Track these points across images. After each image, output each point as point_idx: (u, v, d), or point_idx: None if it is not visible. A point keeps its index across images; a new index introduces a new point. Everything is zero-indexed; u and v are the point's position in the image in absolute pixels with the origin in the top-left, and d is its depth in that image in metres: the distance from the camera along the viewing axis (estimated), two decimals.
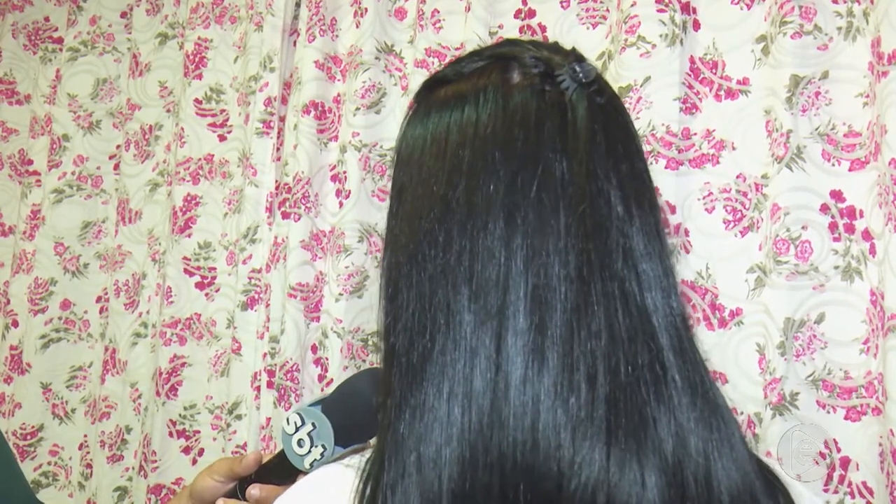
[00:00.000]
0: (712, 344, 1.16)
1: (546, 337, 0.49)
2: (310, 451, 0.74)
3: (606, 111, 0.55)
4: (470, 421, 0.49)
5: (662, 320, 0.52)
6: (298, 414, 0.75)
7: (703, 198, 1.20)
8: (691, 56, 1.22)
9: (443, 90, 0.58)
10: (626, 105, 1.20)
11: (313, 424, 0.74)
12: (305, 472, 0.75)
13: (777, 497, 0.57)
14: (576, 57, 0.56)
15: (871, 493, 1.05)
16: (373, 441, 0.77)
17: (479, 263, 0.51)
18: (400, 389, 0.52)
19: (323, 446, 0.73)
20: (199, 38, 1.60)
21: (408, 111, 0.60)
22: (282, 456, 0.76)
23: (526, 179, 0.51)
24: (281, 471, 0.77)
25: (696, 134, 1.21)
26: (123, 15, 1.73)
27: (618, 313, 0.50)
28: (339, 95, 1.46)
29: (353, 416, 0.74)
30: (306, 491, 0.57)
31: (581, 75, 0.54)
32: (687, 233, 1.19)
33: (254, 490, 0.78)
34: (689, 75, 1.21)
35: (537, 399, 0.48)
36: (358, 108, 1.40)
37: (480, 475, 0.48)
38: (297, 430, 0.74)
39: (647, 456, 0.49)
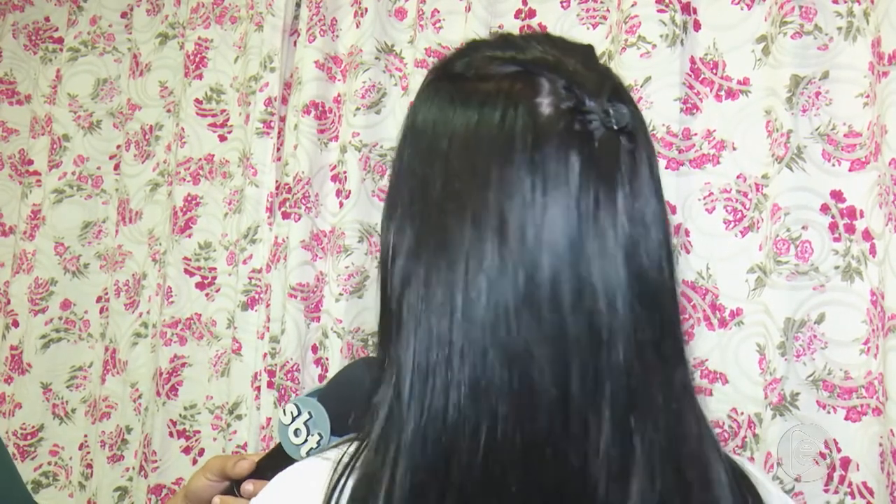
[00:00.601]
0: (713, 344, 1.16)
1: (549, 361, 0.50)
2: (306, 441, 0.74)
3: (633, 157, 0.54)
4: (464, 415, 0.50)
5: (661, 371, 0.53)
6: (294, 404, 0.75)
7: (704, 198, 1.20)
8: (692, 56, 1.22)
9: (465, 86, 0.55)
10: None
11: (309, 413, 0.74)
12: None
13: (746, 498, 0.58)
14: (611, 89, 0.54)
15: (871, 493, 1.05)
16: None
17: (505, 288, 0.51)
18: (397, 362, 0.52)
19: (319, 434, 0.73)
20: (199, 38, 1.60)
21: (423, 84, 0.58)
22: (278, 448, 0.76)
23: (556, 215, 0.51)
24: (277, 463, 0.76)
25: (696, 134, 1.21)
26: (124, 15, 1.73)
27: (620, 359, 0.51)
28: (339, 95, 1.46)
29: (350, 403, 0.73)
30: (286, 484, 0.57)
31: (613, 121, 0.52)
32: (687, 233, 1.19)
33: (248, 486, 0.78)
34: (690, 75, 1.21)
35: (539, 411, 0.50)
36: (358, 108, 1.40)
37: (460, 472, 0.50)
38: (293, 419, 0.74)
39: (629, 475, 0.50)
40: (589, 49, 0.58)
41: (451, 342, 0.50)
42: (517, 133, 0.52)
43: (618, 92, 0.55)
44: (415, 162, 0.56)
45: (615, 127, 0.52)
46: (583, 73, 0.54)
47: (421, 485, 0.50)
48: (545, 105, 0.53)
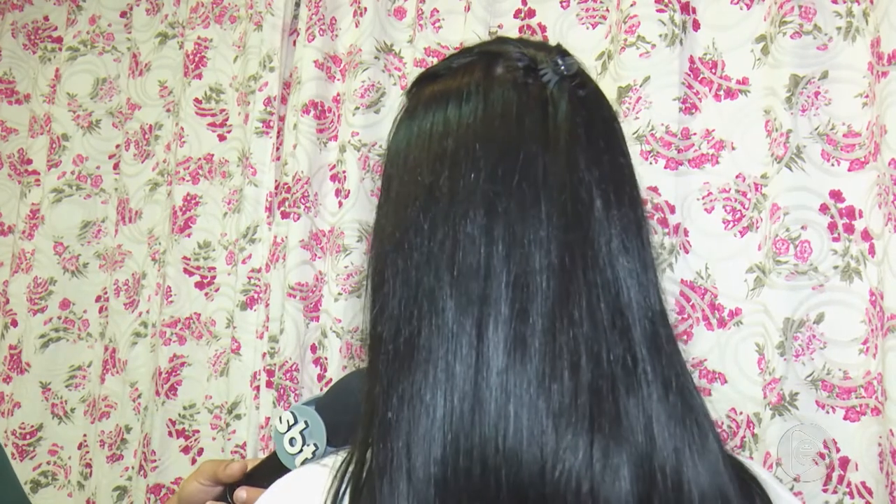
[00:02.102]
0: (712, 344, 1.16)
1: (528, 325, 0.50)
2: (301, 450, 0.73)
3: (588, 104, 0.56)
4: (452, 407, 0.49)
5: (637, 314, 0.52)
6: (291, 412, 0.74)
7: (703, 198, 1.20)
8: (691, 56, 1.22)
9: (431, 87, 0.59)
10: (626, 105, 1.20)
11: (306, 423, 0.73)
12: None
13: (754, 500, 0.57)
14: (559, 51, 0.57)
15: (870, 493, 1.05)
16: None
17: (461, 251, 0.51)
18: (387, 377, 0.52)
19: (315, 445, 0.73)
20: (198, 37, 1.60)
21: (399, 110, 0.61)
22: (273, 456, 0.75)
23: (507, 170, 0.52)
24: (272, 471, 0.76)
25: (695, 134, 1.21)
26: (123, 14, 1.73)
27: (600, 303, 0.51)
28: (338, 95, 1.46)
29: (347, 415, 0.73)
30: (282, 491, 0.57)
31: (563, 68, 0.55)
32: (686, 233, 1.19)
33: (241, 492, 0.77)
34: (689, 75, 1.21)
35: (519, 386, 0.49)
36: (357, 108, 1.40)
37: (462, 461, 0.49)
38: (289, 428, 0.74)
39: (622, 446, 0.49)
40: (546, 42, 0.62)
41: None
42: (470, 105, 0.54)
43: (567, 53, 0.57)
44: (387, 168, 0.59)
45: (566, 73, 0.55)
46: (536, 49, 0.57)
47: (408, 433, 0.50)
48: (499, 70, 0.56)
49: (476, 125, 0.54)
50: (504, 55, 0.57)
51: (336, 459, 0.55)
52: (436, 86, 0.58)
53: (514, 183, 0.52)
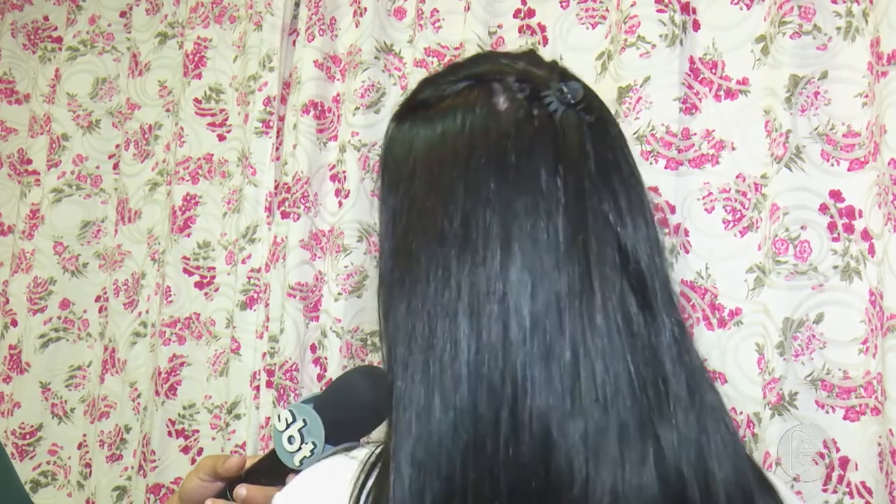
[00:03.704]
0: (712, 344, 1.16)
1: (552, 362, 0.50)
2: (300, 449, 0.73)
3: (595, 129, 0.55)
4: (476, 447, 0.50)
5: (666, 334, 0.53)
6: (290, 410, 0.74)
7: (703, 198, 1.20)
8: (691, 56, 1.22)
9: (426, 112, 0.57)
10: (626, 105, 1.20)
11: (304, 421, 0.73)
12: (295, 471, 0.74)
13: (773, 500, 0.58)
14: (560, 73, 0.56)
15: (869, 492, 1.05)
16: (365, 439, 0.77)
17: (478, 299, 0.51)
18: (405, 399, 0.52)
19: (313, 443, 0.73)
20: (198, 37, 1.60)
21: (389, 128, 0.60)
22: (272, 454, 0.76)
23: (520, 208, 0.52)
24: (271, 469, 0.76)
25: (695, 134, 1.21)
26: (123, 14, 1.73)
27: (621, 334, 0.51)
28: (338, 95, 1.46)
29: (345, 413, 0.73)
30: (313, 480, 0.57)
31: (569, 96, 0.54)
32: (686, 233, 1.19)
33: (241, 490, 0.77)
34: (689, 75, 1.21)
35: (549, 426, 0.49)
36: (357, 108, 1.40)
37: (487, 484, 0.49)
38: (287, 426, 0.74)
39: (651, 465, 0.50)
40: (532, 52, 0.60)
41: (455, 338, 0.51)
42: (477, 141, 0.54)
43: (566, 74, 0.57)
44: (388, 197, 0.58)
45: (572, 101, 0.54)
46: (530, 68, 0.56)
47: (420, 490, 0.50)
48: (502, 102, 0.55)
49: (488, 163, 0.53)
50: (501, 82, 0.55)
51: (366, 452, 0.56)
52: (432, 113, 0.57)
53: (529, 222, 0.51)
